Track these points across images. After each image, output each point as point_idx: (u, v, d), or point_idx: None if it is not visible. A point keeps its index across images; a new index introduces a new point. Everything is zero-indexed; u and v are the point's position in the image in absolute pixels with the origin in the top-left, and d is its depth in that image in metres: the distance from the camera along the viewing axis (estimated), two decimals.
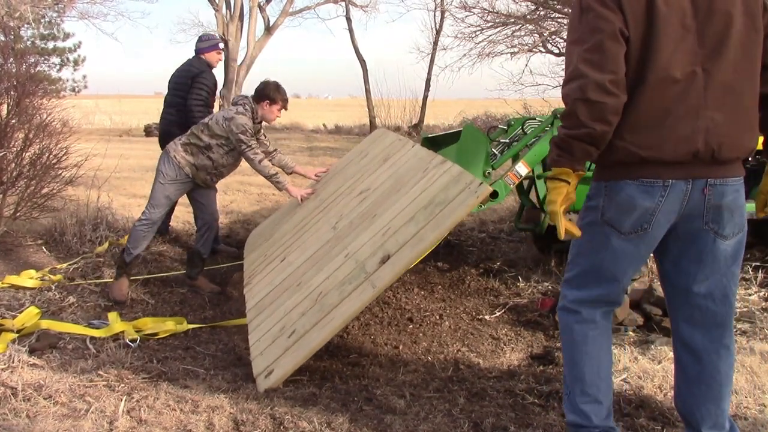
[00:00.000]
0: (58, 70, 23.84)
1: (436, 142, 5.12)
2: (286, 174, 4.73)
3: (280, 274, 3.66)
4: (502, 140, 4.79)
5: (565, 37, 2.07)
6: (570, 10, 12.57)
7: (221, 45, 5.64)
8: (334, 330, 2.82)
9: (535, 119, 4.76)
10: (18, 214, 5.45)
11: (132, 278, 4.61)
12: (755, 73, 1.94)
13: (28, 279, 4.38)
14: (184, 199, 4.67)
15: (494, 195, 3.92)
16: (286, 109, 4.52)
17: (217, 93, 6.10)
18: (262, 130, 4.63)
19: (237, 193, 8.13)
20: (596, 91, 1.82)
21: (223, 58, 5.87)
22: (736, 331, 3.44)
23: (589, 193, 2.07)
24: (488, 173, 4.02)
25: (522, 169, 4.03)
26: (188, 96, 5.21)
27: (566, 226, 1.94)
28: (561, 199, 1.94)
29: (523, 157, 4.07)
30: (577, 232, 1.98)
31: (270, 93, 4.38)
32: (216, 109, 5.66)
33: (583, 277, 2.11)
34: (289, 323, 3.06)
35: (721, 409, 2.06)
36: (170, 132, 5.05)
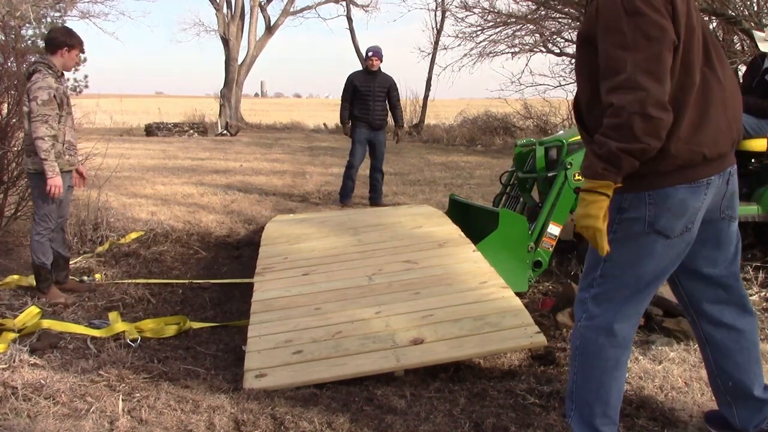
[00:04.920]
0: None
1: (463, 208, 5.33)
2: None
3: (299, 287, 3.70)
4: (520, 175, 5.04)
5: (602, 37, 1.88)
6: (570, 10, 12.56)
7: (370, 53, 7.33)
8: (344, 375, 2.83)
9: (533, 143, 4.99)
10: (19, 213, 5.46)
11: (133, 281, 4.62)
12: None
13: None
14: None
15: (538, 264, 4.21)
16: (83, 51, 4.16)
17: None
18: (69, 100, 4.18)
19: (237, 193, 8.14)
20: (656, 107, 1.77)
21: (374, 61, 7.30)
22: None
23: (620, 205, 1.98)
24: (531, 248, 4.20)
25: (555, 229, 4.23)
26: None
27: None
28: (603, 213, 1.86)
29: (552, 218, 4.25)
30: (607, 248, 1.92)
31: (65, 39, 4.03)
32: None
33: (618, 290, 2.04)
34: (296, 340, 3.08)
35: (761, 370, 2.19)
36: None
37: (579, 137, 4.57)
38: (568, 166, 4.29)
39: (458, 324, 3.11)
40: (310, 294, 3.60)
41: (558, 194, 4.29)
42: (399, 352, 2.93)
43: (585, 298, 2.10)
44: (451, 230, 4.51)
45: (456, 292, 3.46)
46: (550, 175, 4.58)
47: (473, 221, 4.98)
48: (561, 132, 5.50)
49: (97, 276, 4.64)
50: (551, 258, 4.32)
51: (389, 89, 7.32)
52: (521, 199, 5.16)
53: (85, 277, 4.61)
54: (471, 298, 3.37)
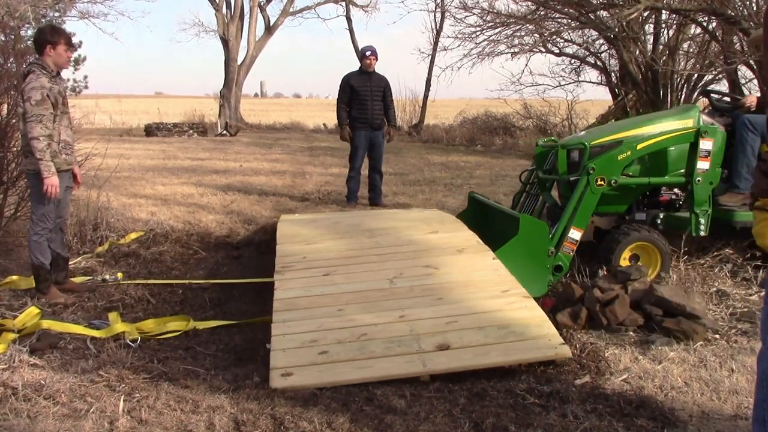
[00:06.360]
0: None
1: (482, 207, 5.28)
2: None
3: (320, 287, 3.71)
4: (540, 175, 5.01)
5: (759, 49, 1.85)
6: (570, 10, 12.56)
7: (368, 52, 7.19)
8: (371, 378, 2.83)
9: (555, 143, 4.95)
10: (18, 213, 5.46)
11: (133, 281, 4.62)
12: None
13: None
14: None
15: (559, 269, 4.17)
16: (72, 46, 4.15)
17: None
18: (66, 100, 4.18)
19: (237, 193, 8.13)
20: None
21: (372, 60, 7.18)
22: (737, 331, 3.45)
23: None
24: (552, 252, 4.16)
25: (576, 234, 4.20)
26: None
27: None
28: None
29: (573, 222, 4.22)
30: None
31: (47, 37, 4.00)
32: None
33: None
34: (321, 340, 3.08)
35: None
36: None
37: (601, 140, 4.54)
38: (591, 171, 4.22)
39: (483, 332, 3.11)
40: (332, 295, 3.59)
41: (580, 199, 4.23)
42: (425, 357, 2.93)
43: None
44: (468, 236, 4.48)
45: (478, 300, 3.46)
46: (572, 179, 4.51)
47: (492, 222, 4.93)
48: (582, 133, 5.45)
49: (119, 274, 4.64)
50: (572, 261, 4.27)
51: (385, 89, 7.32)
52: (540, 197, 5.14)
53: (107, 276, 4.60)
54: (494, 306, 3.37)
